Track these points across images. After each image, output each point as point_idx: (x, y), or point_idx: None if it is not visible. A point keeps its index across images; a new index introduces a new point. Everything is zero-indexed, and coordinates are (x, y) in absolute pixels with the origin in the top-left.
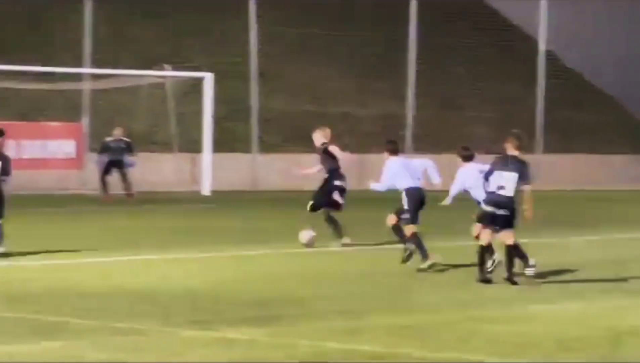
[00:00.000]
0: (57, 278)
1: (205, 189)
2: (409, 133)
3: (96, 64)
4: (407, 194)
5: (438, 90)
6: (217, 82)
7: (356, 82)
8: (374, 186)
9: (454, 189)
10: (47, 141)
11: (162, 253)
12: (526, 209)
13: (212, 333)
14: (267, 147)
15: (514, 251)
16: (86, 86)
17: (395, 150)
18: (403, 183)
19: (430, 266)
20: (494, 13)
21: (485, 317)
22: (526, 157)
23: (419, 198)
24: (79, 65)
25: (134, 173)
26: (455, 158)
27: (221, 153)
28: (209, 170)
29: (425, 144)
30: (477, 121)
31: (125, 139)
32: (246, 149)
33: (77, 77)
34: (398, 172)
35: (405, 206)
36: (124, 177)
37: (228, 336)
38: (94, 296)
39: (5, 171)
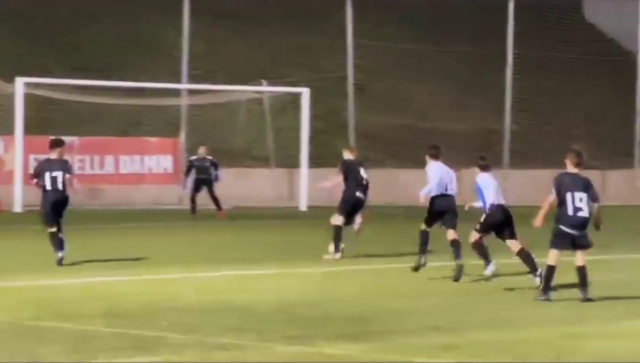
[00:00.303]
0: (155, 293)
1: (302, 205)
2: (505, 148)
3: (193, 79)
4: (431, 201)
5: (534, 105)
6: (314, 97)
7: (453, 97)
8: (423, 192)
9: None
10: (145, 156)
11: (259, 268)
12: (599, 225)
13: (308, 348)
14: (366, 162)
15: (586, 271)
16: (184, 102)
17: (436, 155)
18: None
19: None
20: (591, 26)
21: (585, 333)
22: (624, 173)
23: (440, 206)
24: (177, 81)
25: (230, 188)
26: (549, 173)
27: (318, 168)
28: (306, 185)
29: (521, 159)
30: (573, 135)
31: (209, 157)
32: None
33: (175, 93)
34: (439, 175)
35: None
36: (212, 194)
37: (324, 351)
38: (190, 311)
39: (70, 171)
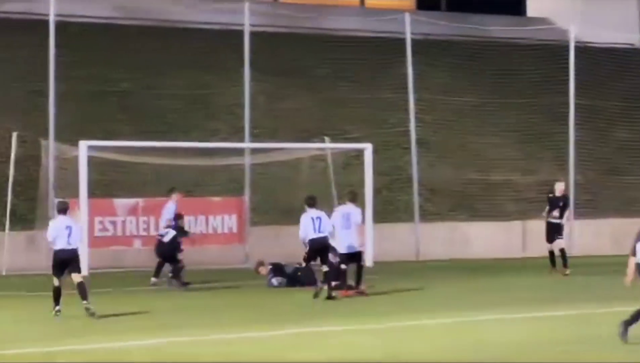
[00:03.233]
0: (221, 353)
1: (368, 261)
2: (571, 198)
3: (256, 138)
4: (308, 243)
5: (599, 155)
6: (378, 153)
7: (517, 150)
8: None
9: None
10: (209, 216)
11: (324, 325)
12: None
13: None
14: (431, 216)
15: None
16: (247, 161)
17: (311, 204)
18: (308, 234)
19: None
20: None
21: None
22: None
23: (317, 247)
24: (240, 139)
25: (295, 247)
26: (618, 223)
27: (383, 223)
28: (371, 241)
29: (587, 209)
30: (639, 185)
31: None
32: (409, 219)
33: (239, 151)
34: (306, 224)
35: (305, 253)
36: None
37: None
38: None
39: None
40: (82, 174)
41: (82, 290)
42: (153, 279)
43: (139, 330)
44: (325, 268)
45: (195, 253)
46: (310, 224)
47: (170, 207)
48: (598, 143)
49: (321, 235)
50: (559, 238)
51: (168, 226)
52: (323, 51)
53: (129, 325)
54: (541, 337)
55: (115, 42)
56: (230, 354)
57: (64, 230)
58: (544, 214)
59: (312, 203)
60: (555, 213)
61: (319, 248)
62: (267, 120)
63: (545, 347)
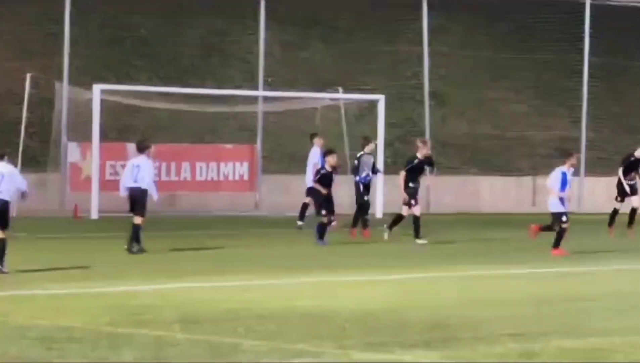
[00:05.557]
0: (232, 300)
1: (378, 212)
2: (582, 155)
3: (270, 86)
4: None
5: (612, 112)
6: (391, 105)
7: (532, 105)
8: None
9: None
10: (220, 163)
11: (337, 275)
12: None
13: (387, 355)
14: (442, 169)
15: None
16: (259, 108)
17: (139, 149)
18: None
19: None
20: None
21: None
22: None
23: (130, 197)
24: (253, 88)
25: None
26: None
27: (394, 175)
28: (382, 192)
29: (599, 166)
30: None
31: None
32: None
33: (252, 99)
34: (125, 171)
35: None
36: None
37: (403, 359)
38: (267, 318)
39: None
40: (95, 117)
41: (2, 249)
42: (299, 222)
43: (150, 274)
44: (138, 220)
45: (206, 199)
46: (129, 171)
47: (315, 152)
48: (613, 101)
49: (136, 185)
50: (635, 196)
51: (318, 171)
52: (341, 2)
53: (139, 269)
54: (548, 293)
55: None
56: (248, 301)
57: None
58: (620, 176)
59: (139, 147)
60: (634, 173)
61: (132, 199)
62: (282, 69)
63: (547, 303)
